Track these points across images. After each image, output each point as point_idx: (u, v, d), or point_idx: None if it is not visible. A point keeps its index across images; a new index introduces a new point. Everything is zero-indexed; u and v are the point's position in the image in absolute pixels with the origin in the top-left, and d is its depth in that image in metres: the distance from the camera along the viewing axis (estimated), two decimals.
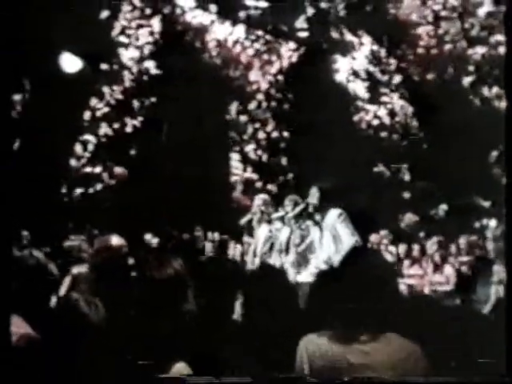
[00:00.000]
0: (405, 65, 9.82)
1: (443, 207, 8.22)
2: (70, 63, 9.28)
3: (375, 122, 9.56)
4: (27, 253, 4.84)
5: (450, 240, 7.42)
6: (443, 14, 9.83)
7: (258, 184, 9.03)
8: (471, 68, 9.51)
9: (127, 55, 9.89)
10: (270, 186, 8.95)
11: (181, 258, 3.59)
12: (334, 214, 6.83)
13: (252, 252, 7.23)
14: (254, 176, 9.13)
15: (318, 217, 6.93)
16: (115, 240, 3.99)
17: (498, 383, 3.28)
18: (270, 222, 7.29)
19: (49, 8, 8.72)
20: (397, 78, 9.80)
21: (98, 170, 8.76)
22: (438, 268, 7.28)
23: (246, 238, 7.54)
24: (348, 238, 6.67)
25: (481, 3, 9.61)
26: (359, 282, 2.90)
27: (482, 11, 9.57)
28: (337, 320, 2.88)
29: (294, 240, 6.88)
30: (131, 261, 4.11)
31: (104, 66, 9.63)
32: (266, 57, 10.06)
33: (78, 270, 4.41)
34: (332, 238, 6.74)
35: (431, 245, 7.40)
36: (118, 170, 8.67)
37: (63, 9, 8.81)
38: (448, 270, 7.14)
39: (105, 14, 9.95)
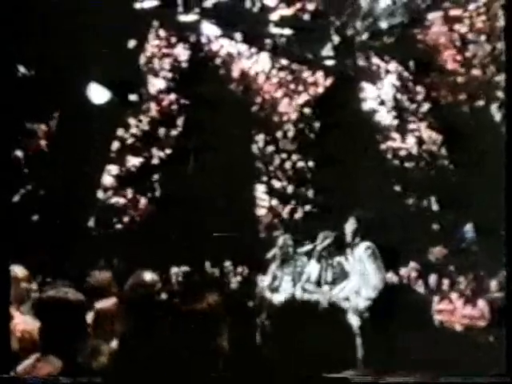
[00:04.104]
0: (433, 92, 9.73)
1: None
2: (98, 94, 9.34)
3: (403, 152, 9.47)
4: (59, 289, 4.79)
5: (481, 274, 7.28)
6: (470, 37, 9.74)
7: (284, 215, 8.97)
8: (500, 94, 9.39)
9: (154, 85, 9.93)
10: (295, 218, 8.87)
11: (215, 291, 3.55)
12: (361, 247, 6.71)
13: (273, 289, 7.14)
14: (280, 207, 9.07)
15: (348, 249, 6.81)
16: (148, 276, 3.97)
17: (497, 383, 3.27)
18: (296, 260, 7.20)
19: (76, 38, 8.80)
20: (425, 106, 9.71)
21: (124, 202, 8.76)
22: (468, 302, 7.13)
23: (272, 272, 7.46)
24: (374, 275, 6.53)
25: None
26: (392, 318, 2.88)
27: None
28: (370, 356, 2.86)
29: (325, 277, 6.76)
30: (164, 296, 4.08)
31: (132, 97, 9.68)
32: (292, 86, 10.04)
33: (103, 304, 4.36)
34: (359, 273, 6.61)
35: (461, 279, 7.26)
36: (145, 202, 8.67)
37: (91, 39, 8.88)
38: (481, 304, 6.99)
39: (132, 43, 10.02)
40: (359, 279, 6.51)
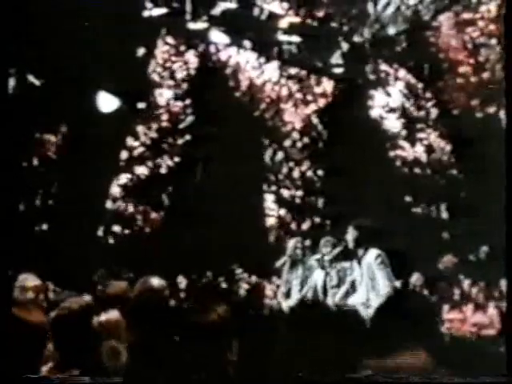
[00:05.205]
0: (443, 97, 9.66)
1: (484, 249, 8.02)
2: (107, 102, 9.36)
3: (411, 160, 9.43)
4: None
5: (492, 283, 7.22)
6: (482, 40, 9.68)
7: (293, 225, 8.94)
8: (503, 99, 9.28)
9: (162, 93, 9.95)
10: (304, 227, 8.85)
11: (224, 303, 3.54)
12: (372, 255, 6.69)
13: (285, 295, 7.14)
14: (288, 217, 9.04)
15: (359, 254, 6.78)
16: (156, 282, 3.98)
17: (498, 383, 3.27)
18: (304, 264, 7.20)
19: (84, 46, 8.83)
20: (434, 114, 9.65)
21: (133, 211, 8.77)
22: (478, 310, 7.09)
23: (281, 281, 7.45)
24: (384, 282, 6.52)
25: None
26: (400, 325, 2.88)
27: None
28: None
29: (330, 282, 6.76)
30: (172, 303, 4.08)
31: (140, 105, 9.69)
32: (300, 94, 10.02)
33: (108, 316, 4.36)
34: (369, 280, 6.60)
35: (471, 288, 7.21)
36: (153, 212, 8.68)
37: (99, 47, 8.91)
38: (491, 312, 6.94)
39: (141, 51, 10.03)
40: (368, 290, 6.50)
